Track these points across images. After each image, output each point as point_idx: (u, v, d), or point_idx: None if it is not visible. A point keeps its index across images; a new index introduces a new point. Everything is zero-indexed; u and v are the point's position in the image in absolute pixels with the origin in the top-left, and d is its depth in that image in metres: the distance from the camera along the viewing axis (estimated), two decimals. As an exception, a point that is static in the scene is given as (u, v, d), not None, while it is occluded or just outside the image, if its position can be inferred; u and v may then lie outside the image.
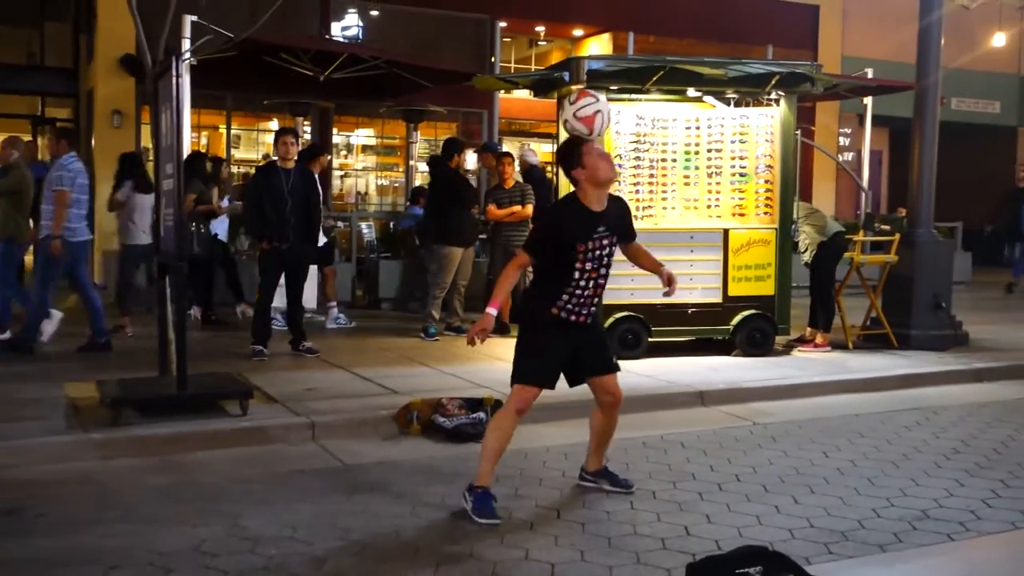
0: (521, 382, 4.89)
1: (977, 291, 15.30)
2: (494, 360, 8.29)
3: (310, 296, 10.26)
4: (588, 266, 4.81)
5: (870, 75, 14.31)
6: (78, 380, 7.31)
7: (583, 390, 5.15)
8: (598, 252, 4.84)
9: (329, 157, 10.12)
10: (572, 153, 4.89)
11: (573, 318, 4.88)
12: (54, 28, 17.33)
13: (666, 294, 5.08)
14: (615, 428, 5.22)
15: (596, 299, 4.94)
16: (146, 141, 13.92)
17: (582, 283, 4.83)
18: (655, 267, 5.19)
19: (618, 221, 4.97)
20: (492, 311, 4.82)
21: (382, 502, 5.01)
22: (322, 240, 10.29)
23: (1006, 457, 5.98)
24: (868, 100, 14.88)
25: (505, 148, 12.09)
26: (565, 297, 4.84)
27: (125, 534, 4.50)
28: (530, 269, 5.28)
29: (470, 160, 11.63)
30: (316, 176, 9.21)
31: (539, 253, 4.93)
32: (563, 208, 5.02)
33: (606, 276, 4.95)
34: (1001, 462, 5.86)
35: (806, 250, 9.42)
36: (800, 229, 9.40)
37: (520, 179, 10.78)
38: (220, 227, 10.88)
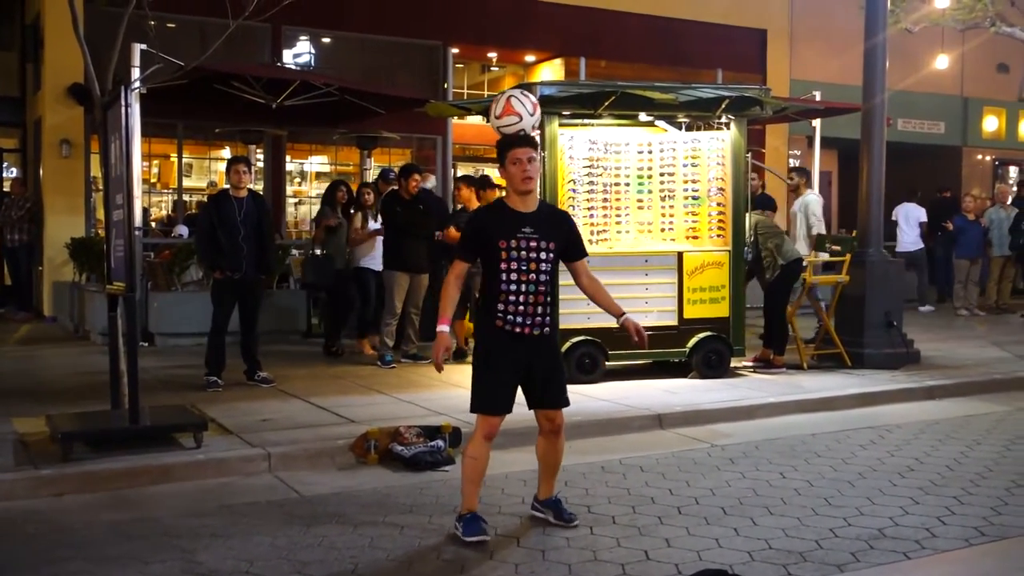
0: (477, 411, 4.88)
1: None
2: (451, 387, 8.26)
3: None
4: (514, 266, 4.74)
5: (818, 98, 14.49)
6: (27, 415, 7.17)
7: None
8: (525, 253, 4.76)
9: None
10: (501, 152, 4.95)
11: (518, 330, 4.78)
12: (0, 57, 17.10)
13: (638, 343, 4.99)
14: (561, 454, 5.12)
15: (540, 310, 4.81)
16: (96, 171, 13.76)
17: (512, 287, 4.75)
18: (615, 310, 5.12)
19: (558, 232, 4.92)
20: (442, 328, 4.83)
21: (340, 534, 4.96)
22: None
23: (959, 474, 6.06)
24: (816, 122, 15.05)
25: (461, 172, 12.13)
26: (501, 306, 4.77)
27: (76, 573, 4.41)
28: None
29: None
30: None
31: (469, 255, 4.92)
32: (489, 209, 5.26)
33: (546, 286, 4.82)
34: (954, 479, 5.94)
35: (769, 267, 9.48)
36: (763, 246, 9.45)
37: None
38: (373, 255, 10.60)
